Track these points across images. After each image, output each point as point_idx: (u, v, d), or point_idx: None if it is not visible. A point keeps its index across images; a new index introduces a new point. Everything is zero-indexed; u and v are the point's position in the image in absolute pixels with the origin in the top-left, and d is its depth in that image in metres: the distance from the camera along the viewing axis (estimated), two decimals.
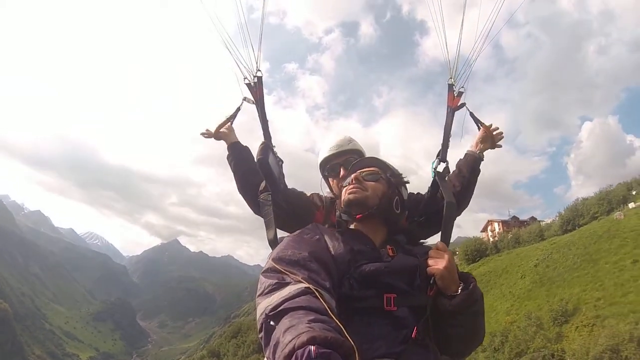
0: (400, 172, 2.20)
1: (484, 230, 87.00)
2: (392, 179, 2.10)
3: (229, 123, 2.65)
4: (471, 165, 2.51)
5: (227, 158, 2.64)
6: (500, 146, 2.62)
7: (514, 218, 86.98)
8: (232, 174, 2.62)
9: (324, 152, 2.65)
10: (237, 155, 2.60)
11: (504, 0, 2.34)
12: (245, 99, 2.55)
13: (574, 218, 59.20)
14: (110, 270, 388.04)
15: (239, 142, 2.65)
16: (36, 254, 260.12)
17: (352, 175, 2.04)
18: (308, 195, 2.60)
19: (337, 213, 2.13)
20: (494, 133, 2.56)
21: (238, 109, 2.64)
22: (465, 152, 2.56)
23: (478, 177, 2.56)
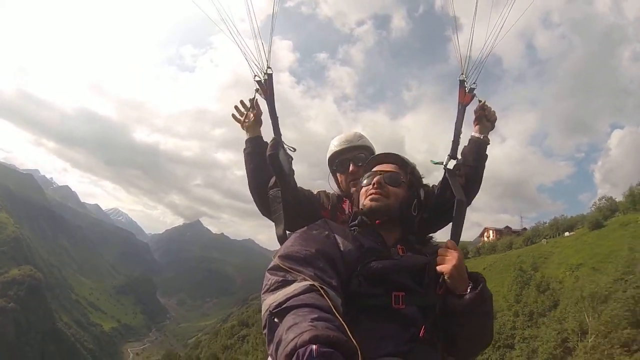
0: (420, 173, 2.16)
1: (481, 236, 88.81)
2: (413, 179, 2.08)
3: (254, 114, 2.56)
4: (476, 150, 2.46)
5: (244, 150, 2.56)
6: (493, 122, 2.54)
7: (507, 227, 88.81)
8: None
9: (333, 146, 2.65)
10: (253, 149, 2.51)
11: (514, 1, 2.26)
12: (257, 90, 2.48)
13: (533, 237, 63.44)
14: (133, 246, 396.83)
15: (260, 136, 2.56)
16: (64, 227, 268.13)
17: (375, 179, 1.99)
18: (315, 193, 2.55)
19: (351, 210, 2.12)
20: (486, 112, 2.50)
21: (251, 101, 2.54)
22: (469, 137, 2.51)
23: (485, 163, 2.50)
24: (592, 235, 50.26)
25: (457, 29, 2.48)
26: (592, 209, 58.05)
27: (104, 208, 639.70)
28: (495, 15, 2.29)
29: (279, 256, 1.61)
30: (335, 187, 2.66)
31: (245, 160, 2.53)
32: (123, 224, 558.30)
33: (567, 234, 57.82)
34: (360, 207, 2.01)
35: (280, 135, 2.37)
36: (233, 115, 2.60)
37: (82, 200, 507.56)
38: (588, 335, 30.06)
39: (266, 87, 2.45)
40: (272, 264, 1.59)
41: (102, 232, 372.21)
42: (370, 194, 1.97)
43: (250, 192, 2.51)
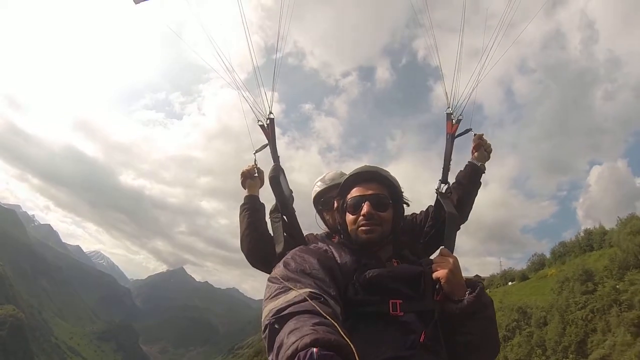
0: (399, 185, 2.15)
1: None
2: (396, 196, 2.08)
3: (256, 172, 2.79)
4: (471, 175, 2.64)
5: (242, 206, 2.73)
6: (489, 153, 2.74)
7: (476, 276, 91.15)
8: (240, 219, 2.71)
9: (317, 187, 2.81)
10: (252, 205, 2.70)
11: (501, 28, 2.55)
12: (256, 153, 2.76)
13: (488, 285, 64.63)
14: (114, 291, 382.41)
15: (258, 196, 2.78)
16: (44, 267, 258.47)
17: (364, 210, 1.96)
18: (304, 235, 2.58)
19: (342, 239, 2.11)
20: (484, 142, 2.71)
21: (255, 166, 2.80)
22: (467, 163, 2.71)
23: (478, 189, 2.69)
24: (517, 286, 56.26)
25: (441, 66, 2.73)
26: (528, 263, 62.80)
27: (85, 250, 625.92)
28: (480, 52, 2.55)
29: (279, 266, 1.65)
30: (323, 225, 2.77)
31: (241, 214, 2.70)
32: (104, 268, 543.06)
33: (510, 283, 61.61)
34: (353, 237, 2.00)
35: (280, 165, 2.56)
36: (242, 173, 2.79)
37: (63, 241, 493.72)
38: None
39: (268, 130, 2.65)
40: (272, 273, 1.62)
41: (82, 275, 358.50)
42: (362, 226, 1.96)
43: (242, 243, 2.65)
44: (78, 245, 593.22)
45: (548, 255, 59.11)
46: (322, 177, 2.86)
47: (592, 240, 50.45)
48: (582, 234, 54.30)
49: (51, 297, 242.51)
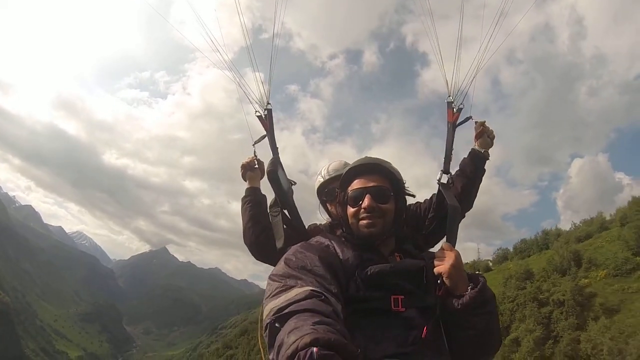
0: (401, 177, 2.09)
1: None
2: (398, 188, 2.03)
3: (256, 164, 2.76)
4: (475, 163, 2.58)
5: (244, 198, 2.70)
6: (492, 139, 2.66)
7: None
8: (240, 209, 2.68)
9: (321, 177, 2.75)
10: (254, 198, 2.67)
11: (501, 18, 2.49)
12: (255, 144, 2.74)
13: None
14: (96, 272, 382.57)
15: (259, 188, 2.75)
16: (27, 249, 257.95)
17: (366, 203, 1.90)
18: (306, 227, 2.54)
19: (343, 232, 2.06)
20: (487, 129, 2.63)
21: (255, 157, 2.77)
22: (470, 150, 2.64)
23: (482, 177, 2.61)
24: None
25: (440, 54, 2.65)
26: (494, 255, 66.82)
27: (67, 231, 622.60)
28: (480, 40, 2.52)
29: (280, 263, 1.66)
30: (326, 216, 2.70)
31: (243, 206, 2.66)
32: (87, 248, 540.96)
33: (476, 273, 67.91)
34: (354, 230, 1.96)
35: (279, 157, 2.58)
36: (242, 166, 2.76)
37: (45, 222, 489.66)
38: None
39: (266, 121, 2.64)
40: (273, 271, 1.62)
41: (65, 256, 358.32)
42: (364, 219, 1.91)
43: (245, 235, 2.61)
44: (60, 226, 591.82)
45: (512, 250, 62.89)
46: (325, 167, 2.80)
47: (548, 240, 56.04)
48: (540, 234, 59.40)
49: (34, 279, 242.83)
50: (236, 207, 2.68)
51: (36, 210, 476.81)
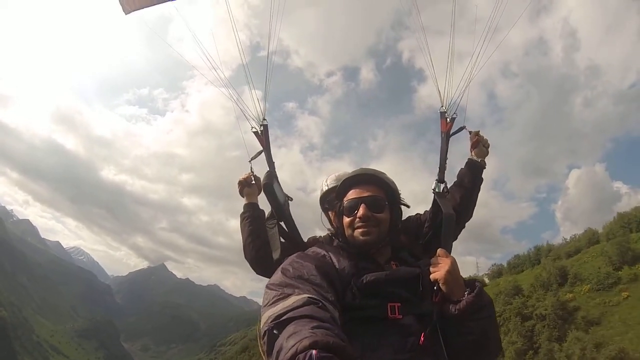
0: (396, 187, 2.14)
1: None
2: (393, 198, 2.07)
3: (253, 180, 2.81)
4: (472, 172, 2.60)
5: (242, 214, 2.74)
6: (487, 148, 2.69)
7: None
8: (240, 227, 2.72)
9: (325, 185, 2.72)
10: (252, 213, 2.72)
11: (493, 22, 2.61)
12: (252, 159, 2.77)
13: None
14: (94, 288, 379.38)
15: (257, 203, 2.79)
16: (24, 263, 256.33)
17: (360, 212, 1.95)
18: (305, 240, 2.51)
19: (340, 242, 2.08)
20: (482, 138, 2.66)
21: (252, 174, 2.82)
22: (467, 160, 2.66)
23: (480, 186, 2.62)
24: None
25: (432, 64, 2.69)
26: (489, 271, 68.23)
27: (65, 246, 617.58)
28: (466, 55, 2.58)
29: (277, 273, 1.67)
30: (327, 225, 2.61)
31: (242, 222, 2.70)
32: (84, 264, 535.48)
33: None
34: (350, 239, 2.00)
35: (275, 171, 2.61)
36: (239, 182, 2.82)
37: (42, 237, 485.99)
38: None
39: (262, 137, 2.67)
40: (270, 280, 1.63)
41: (62, 271, 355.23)
42: (359, 227, 1.95)
43: (245, 251, 2.65)
44: (57, 241, 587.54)
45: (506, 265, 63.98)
46: (329, 177, 2.77)
47: (540, 255, 57.42)
48: (532, 250, 61.04)
49: (31, 294, 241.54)
50: (234, 224, 2.70)
51: (34, 224, 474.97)
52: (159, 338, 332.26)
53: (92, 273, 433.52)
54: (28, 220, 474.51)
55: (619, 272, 37.39)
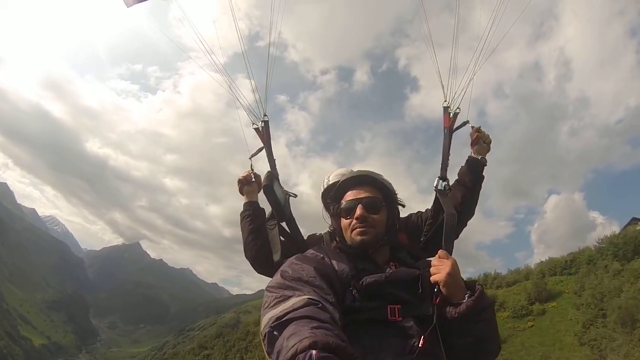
0: (392, 188, 2.13)
1: None
2: (389, 198, 2.07)
3: (253, 178, 2.78)
4: (473, 170, 2.53)
5: (242, 213, 2.70)
6: (488, 144, 2.62)
7: None
8: (240, 226, 2.69)
9: (327, 181, 2.65)
10: (253, 212, 2.68)
11: (497, 15, 2.49)
12: (252, 156, 2.74)
13: None
14: (66, 260, 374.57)
15: (258, 202, 2.74)
16: None
17: (357, 213, 1.96)
18: (305, 238, 2.53)
19: (338, 243, 2.09)
20: (483, 134, 2.59)
21: (252, 172, 2.79)
22: (467, 158, 2.59)
23: (482, 184, 2.55)
24: None
25: (436, 56, 2.62)
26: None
27: (40, 214, 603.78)
28: (477, 41, 2.46)
29: (277, 275, 1.67)
30: (329, 219, 2.50)
31: (243, 221, 2.67)
32: (58, 234, 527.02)
33: None
34: (348, 241, 2.00)
35: (277, 175, 2.59)
36: (239, 180, 2.78)
37: (18, 202, 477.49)
38: None
39: (263, 133, 2.64)
40: (270, 283, 1.63)
41: (36, 240, 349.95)
42: (357, 228, 1.96)
43: (246, 250, 2.62)
44: (33, 208, 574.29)
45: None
46: (332, 172, 2.72)
47: (487, 282, 64.81)
48: (482, 276, 67.91)
49: (3, 260, 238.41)
50: (213, 209, 3.87)
51: (11, 189, 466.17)
52: (128, 317, 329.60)
53: (66, 244, 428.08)
54: (6, 184, 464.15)
55: (532, 307, 45.14)
